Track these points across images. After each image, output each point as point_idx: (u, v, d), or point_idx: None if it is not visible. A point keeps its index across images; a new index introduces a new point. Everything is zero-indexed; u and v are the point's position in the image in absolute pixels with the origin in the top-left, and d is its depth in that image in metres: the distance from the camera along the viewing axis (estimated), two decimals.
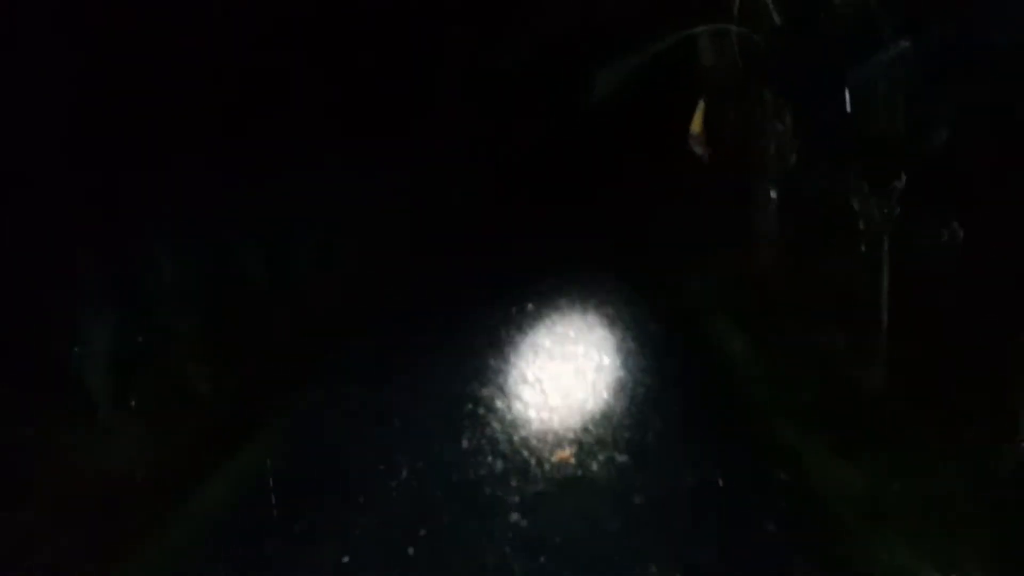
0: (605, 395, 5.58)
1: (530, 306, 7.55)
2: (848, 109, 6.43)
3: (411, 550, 3.96)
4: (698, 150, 6.60)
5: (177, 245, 5.82)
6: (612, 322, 7.13)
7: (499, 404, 5.44)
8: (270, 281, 7.01)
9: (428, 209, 10.79)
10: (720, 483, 4.39)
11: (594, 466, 4.62)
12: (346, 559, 3.93)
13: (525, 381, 5.82)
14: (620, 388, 5.64)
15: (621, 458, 4.69)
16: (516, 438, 4.95)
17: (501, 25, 10.28)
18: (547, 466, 4.63)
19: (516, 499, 4.33)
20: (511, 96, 11.66)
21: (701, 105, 6.56)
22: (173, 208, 5.72)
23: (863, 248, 6.32)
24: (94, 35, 5.76)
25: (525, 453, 4.76)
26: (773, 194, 7.31)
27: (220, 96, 7.23)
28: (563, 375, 5.94)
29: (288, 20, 8.32)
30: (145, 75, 6.02)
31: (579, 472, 4.57)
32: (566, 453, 4.74)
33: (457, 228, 10.87)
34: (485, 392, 5.63)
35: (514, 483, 4.46)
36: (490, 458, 4.70)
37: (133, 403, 4.86)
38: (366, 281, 8.39)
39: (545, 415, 5.28)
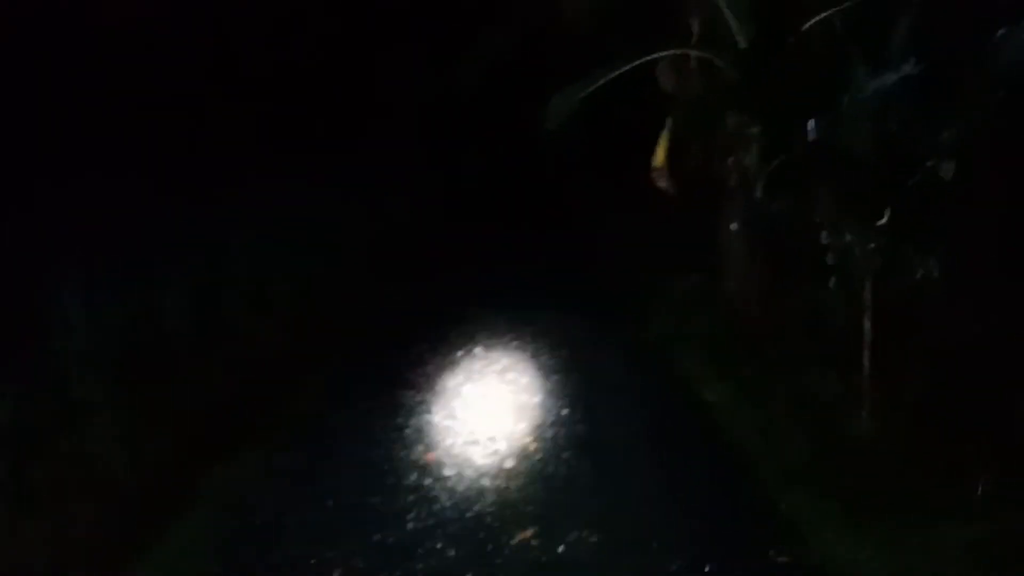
0: (568, 456, 5.06)
1: (479, 349, 7.01)
2: (815, 137, 6.09)
3: None
4: (662, 183, 6.15)
5: (86, 283, 5.06)
6: (572, 364, 6.63)
7: (448, 473, 4.87)
8: (199, 327, 6.34)
9: (374, 237, 10.20)
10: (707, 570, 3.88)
11: (561, 548, 4.08)
12: None
13: (476, 442, 5.27)
14: (585, 446, 5.12)
15: (592, 537, 4.15)
16: (469, 515, 4.39)
17: (456, 45, 9.78)
18: (507, 551, 4.07)
19: None
20: (463, 118, 11.18)
21: (664, 135, 6.12)
22: (79, 238, 4.98)
23: (833, 284, 5.96)
24: None
25: (481, 535, 4.20)
26: (734, 226, 6.92)
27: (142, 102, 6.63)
28: (519, 432, 5.40)
29: (239, 33, 7.74)
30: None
31: (543, 557, 4.02)
32: (527, 533, 4.19)
33: (404, 257, 10.29)
34: (433, 457, 5.06)
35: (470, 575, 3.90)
36: (440, 544, 4.13)
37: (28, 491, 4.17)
38: (304, 323, 7.75)
39: (501, 484, 4.73)
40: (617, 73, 6.88)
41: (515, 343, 7.23)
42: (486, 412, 5.79)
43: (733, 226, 6.75)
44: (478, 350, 7.04)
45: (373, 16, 9.85)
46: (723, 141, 6.43)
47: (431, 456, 5.05)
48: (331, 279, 8.76)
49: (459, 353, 6.98)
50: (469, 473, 4.85)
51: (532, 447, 5.18)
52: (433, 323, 7.88)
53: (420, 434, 5.43)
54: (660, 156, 6.10)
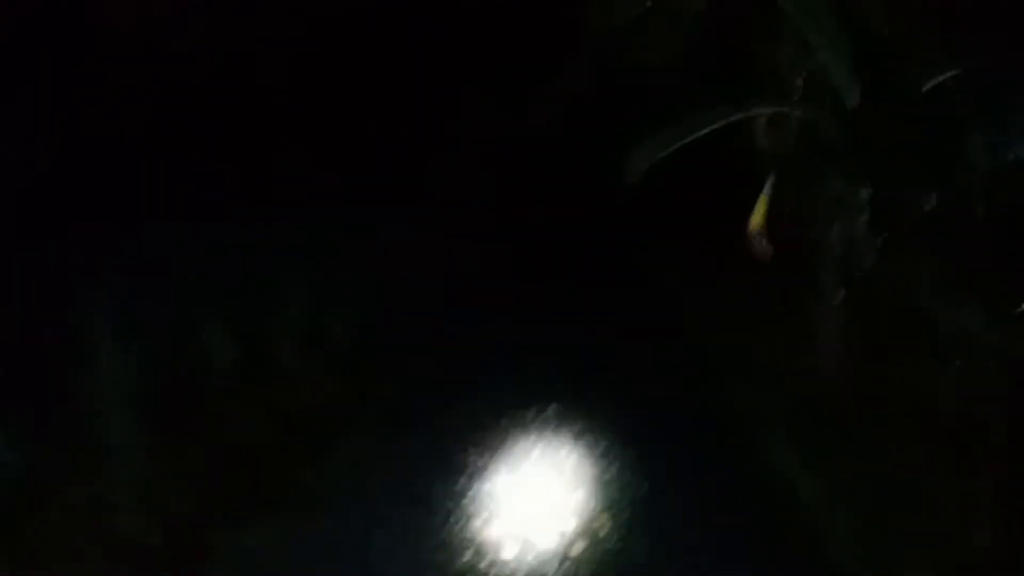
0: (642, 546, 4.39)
1: (541, 422, 6.37)
2: (931, 207, 5.49)
3: None
4: (758, 248, 5.56)
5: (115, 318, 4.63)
6: (642, 439, 5.99)
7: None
8: (237, 372, 5.89)
9: (430, 291, 9.62)
10: None
11: None
12: None
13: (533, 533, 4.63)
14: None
15: None
16: None
17: (526, 86, 9.29)
18: None
19: None
20: (532, 169, 10.70)
21: (763, 196, 5.55)
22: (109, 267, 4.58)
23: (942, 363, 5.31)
24: None
25: None
26: (840, 295, 6.28)
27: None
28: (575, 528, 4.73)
29: (286, 61, 7.43)
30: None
31: None
32: None
33: (462, 316, 9.64)
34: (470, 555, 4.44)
35: None
36: None
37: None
38: (351, 373, 7.23)
39: None
40: (710, 128, 6.36)
41: (578, 416, 6.60)
42: (538, 502, 5.14)
43: (832, 297, 6.11)
44: (535, 419, 6.42)
45: (445, 51, 9.51)
46: (825, 206, 5.82)
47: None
48: (388, 325, 8.24)
49: (521, 425, 6.37)
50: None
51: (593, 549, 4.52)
52: (486, 397, 7.27)
53: (476, 507, 4.83)
54: (758, 218, 5.52)
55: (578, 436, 5.93)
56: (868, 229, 5.73)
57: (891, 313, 5.77)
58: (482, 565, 4.15)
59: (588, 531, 4.37)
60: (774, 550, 4.40)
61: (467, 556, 4.20)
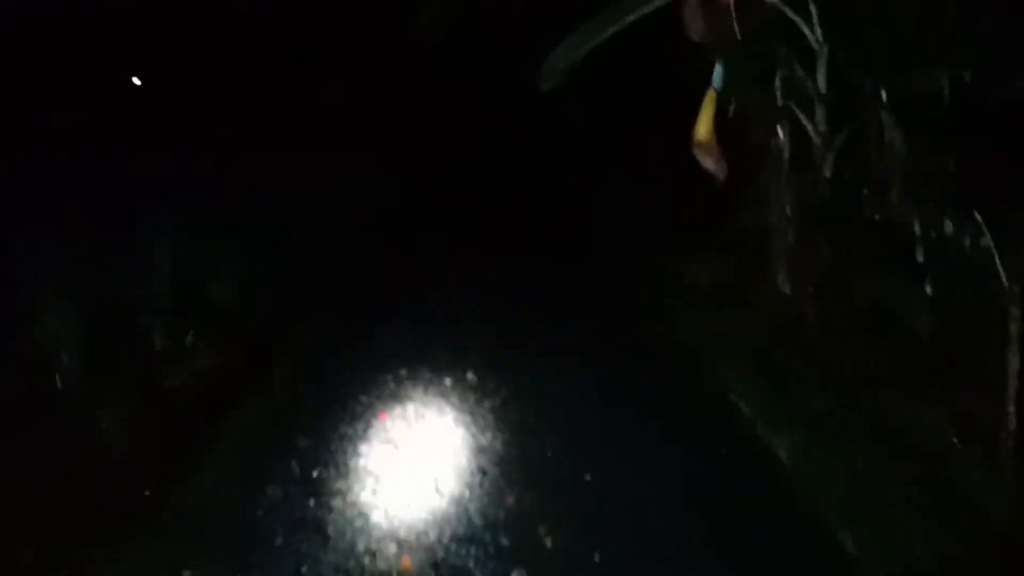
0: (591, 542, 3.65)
1: (470, 375, 5.50)
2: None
3: None
4: (708, 163, 4.68)
5: None
6: (583, 389, 5.21)
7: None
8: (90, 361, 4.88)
9: (333, 223, 8.51)
10: None
11: None
12: None
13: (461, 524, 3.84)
14: (612, 531, 3.69)
15: None
16: None
17: None
18: None
19: None
20: (438, 79, 9.25)
21: (710, 98, 4.61)
22: None
23: (930, 290, 4.62)
24: None
25: None
26: (787, 207, 5.51)
27: None
28: (520, 507, 3.96)
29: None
30: None
31: None
32: None
33: (371, 246, 8.50)
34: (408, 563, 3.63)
35: None
36: None
37: None
38: (246, 337, 6.24)
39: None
40: (631, 20, 5.37)
41: (508, 359, 5.75)
42: (475, 470, 4.34)
43: (785, 206, 5.35)
44: (463, 373, 5.55)
45: None
46: (777, 103, 4.99)
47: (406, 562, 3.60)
48: (282, 278, 7.19)
49: (435, 375, 5.49)
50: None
51: (544, 534, 3.76)
52: (405, 331, 6.38)
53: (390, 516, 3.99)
54: (705, 127, 4.62)
55: (499, 399, 5.11)
56: (828, 126, 4.92)
57: (854, 224, 5.05)
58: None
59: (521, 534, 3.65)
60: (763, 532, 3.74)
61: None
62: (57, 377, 4.73)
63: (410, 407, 5.04)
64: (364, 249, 8.14)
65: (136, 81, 5.80)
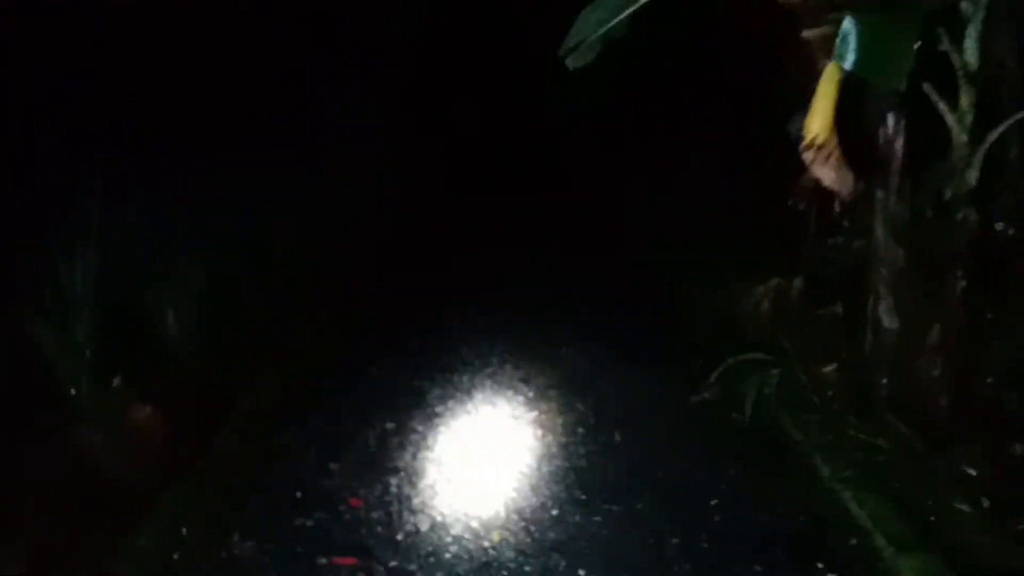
0: None
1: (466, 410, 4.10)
2: None
3: None
4: (825, 173, 3.21)
5: None
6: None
7: None
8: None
9: (330, 219, 6.98)
10: None
11: None
12: None
13: None
14: None
15: None
16: None
17: None
18: None
19: None
20: (439, 54, 7.68)
21: (829, 76, 3.13)
22: None
23: None
24: None
25: None
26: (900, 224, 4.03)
27: None
28: None
29: None
30: None
31: None
32: None
33: (374, 244, 7.06)
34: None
35: None
36: None
37: None
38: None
39: None
40: None
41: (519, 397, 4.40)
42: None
43: (897, 217, 3.92)
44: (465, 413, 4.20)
45: None
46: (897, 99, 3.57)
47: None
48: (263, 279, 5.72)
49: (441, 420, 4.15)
50: None
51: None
52: (403, 355, 5.01)
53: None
54: (822, 120, 3.18)
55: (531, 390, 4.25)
56: (974, 116, 3.51)
57: (1001, 250, 3.64)
58: None
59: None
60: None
61: None
62: None
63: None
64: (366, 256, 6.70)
65: None
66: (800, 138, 3.74)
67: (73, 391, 4.14)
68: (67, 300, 4.32)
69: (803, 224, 4.46)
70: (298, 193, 6.38)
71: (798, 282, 4.71)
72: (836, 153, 3.09)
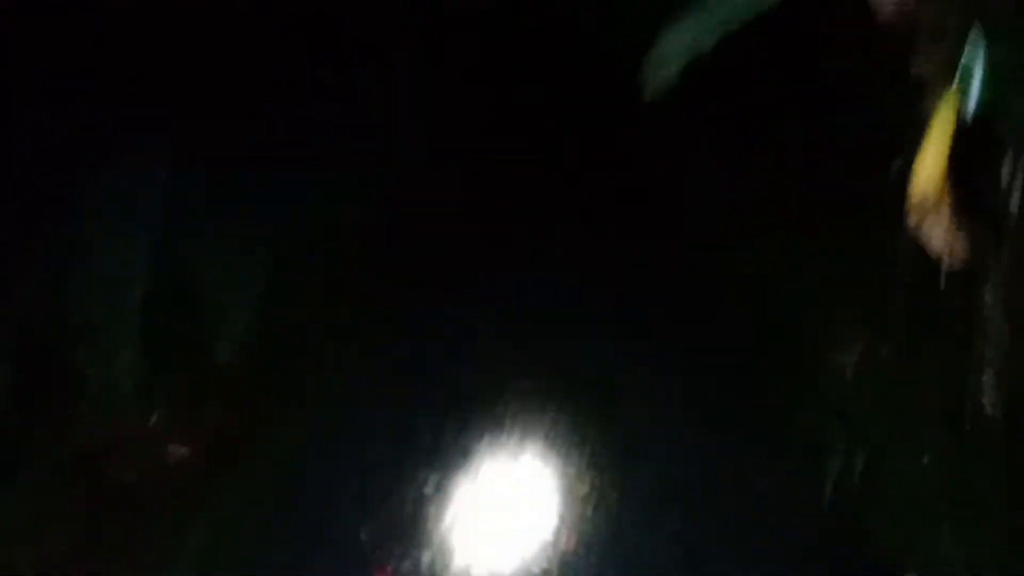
0: None
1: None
2: None
3: None
4: (934, 236, 2.67)
5: None
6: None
7: None
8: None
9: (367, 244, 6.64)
10: None
11: None
12: None
13: None
14: None
15: None
16: None
17: None
18: None
19: None
20: (502, 71, 7.37)
21: (946, 111, 2.57)
22: None
23: None
24: None
25: None
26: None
27: None
28: None
29: None
30: None
31: None
32: None
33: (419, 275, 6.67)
34: None
35: None
36: None
37: None
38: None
39: None
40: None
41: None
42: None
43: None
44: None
45: None
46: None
47: None
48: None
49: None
50: None
51: None
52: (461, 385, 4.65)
53: None
54: (932, 170, 2.64)
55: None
56: None
57: None
58: None
59: None
60: None
61: None
62: None
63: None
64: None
65: None
66: (903, 187, 3.29)
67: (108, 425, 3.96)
68: (112, 323, 4.13)
69: (897, 284, 3.91)
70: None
71: (887, 349, 4.18)
72: (949, 213, 2.55)
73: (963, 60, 2.35)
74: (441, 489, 3.66)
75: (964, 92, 2.37)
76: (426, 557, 3.26)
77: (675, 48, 3.56)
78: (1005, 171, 3.16)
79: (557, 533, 3.37)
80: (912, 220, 2.60)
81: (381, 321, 4.88)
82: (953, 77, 2.92)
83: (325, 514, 3.48)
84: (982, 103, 2.46)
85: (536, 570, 3.21)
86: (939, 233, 2.56)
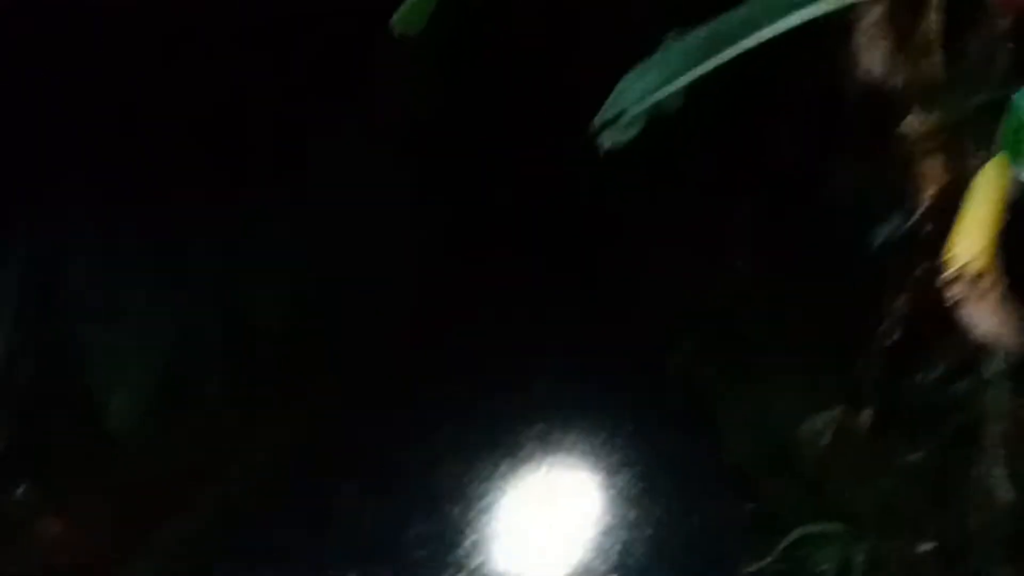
0: None
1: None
2: None
3: None
4: (984, 319, 2.37)
5: None
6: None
7: None
8: None
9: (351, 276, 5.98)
10: None
11: None
12: None
13: None
14: None
15: None
16: None
17: None
18: None
19: None
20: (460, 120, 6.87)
21: (993, 175, 2.31)
22: None
23: None
24: None
25: None
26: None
27: None
28: None
29: None
30: None
31: None
32: None
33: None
34: None
35: None
36: None
37: None
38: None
39: None
40: (752, 44, 3.14)
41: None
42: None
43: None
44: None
45: None
46: None
47: None
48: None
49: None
50: None
51: None
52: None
53: None
54: (979, 243, 2.37)
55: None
56: None
57: None
58: None
59: None
60: None
61: None
62: None
63: None
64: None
65: None
66: (885, 251, 3.12)
67: None
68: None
69: (879, 348, 3.68)
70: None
71: (867, 415, 3.92)
72: (998, 288, 2.26)
73: (1009, 117, 2.09)
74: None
75: (1016, 154, 2.10)
76: None
77: (634, 92, 3.20)
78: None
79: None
80: (954, 295, 2.30)
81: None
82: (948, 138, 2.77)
83: None
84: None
85: None
86: (987, 313, 2.25)
